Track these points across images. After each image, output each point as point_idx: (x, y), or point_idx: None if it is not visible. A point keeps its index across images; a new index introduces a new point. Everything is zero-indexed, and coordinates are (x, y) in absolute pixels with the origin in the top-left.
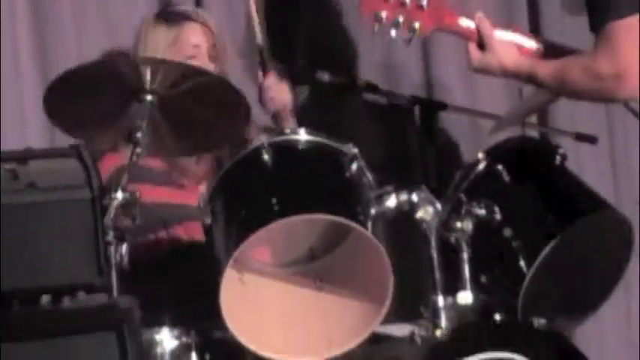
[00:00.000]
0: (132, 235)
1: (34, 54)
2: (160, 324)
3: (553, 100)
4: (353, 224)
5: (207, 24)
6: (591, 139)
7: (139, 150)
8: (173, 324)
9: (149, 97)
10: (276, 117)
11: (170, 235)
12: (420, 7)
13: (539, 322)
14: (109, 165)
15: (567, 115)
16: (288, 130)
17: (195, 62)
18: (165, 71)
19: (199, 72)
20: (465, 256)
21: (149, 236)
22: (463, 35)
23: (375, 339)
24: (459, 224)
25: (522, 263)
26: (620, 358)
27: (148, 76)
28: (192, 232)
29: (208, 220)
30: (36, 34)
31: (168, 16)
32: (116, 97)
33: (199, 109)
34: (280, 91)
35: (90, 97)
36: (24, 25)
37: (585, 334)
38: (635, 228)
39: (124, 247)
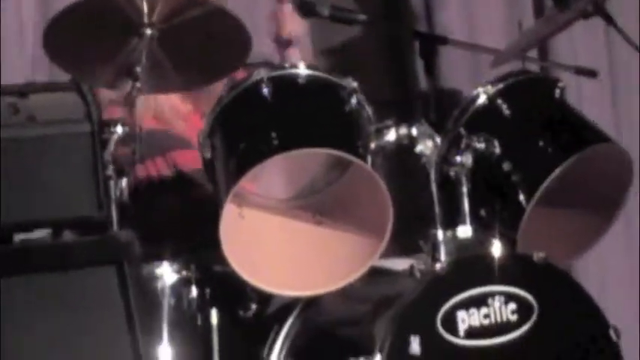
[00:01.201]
0: (131, 164)
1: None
2: (160, 258)
3: (553, 34)
4: (352, 158)
5: None
6: (591, 73)
7: (138, 84)
8: (173, 258)
9: (148, 31)
10: (284, 46)
11: (168, 162)
12: None
13: (538, 255)
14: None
15: (567, 48)
16: (287, 64)
17: None
18: (162, 3)
19: (197, 2)
20: (465, 189)
21: (147, 163)
22: None
23: (375, 273)
24: (458, 158)
25: (522, 197)
26: (620, 291)
27: (145, 10)
28: (190, 159)
29: (208, 154)
30: None
31: None
32: (115, 32)
33: (199, 40)
34: (296, 22)
35: (89, 33)
36: None
37: (585, 268)
38: (635, 161)
39: (124, 181)
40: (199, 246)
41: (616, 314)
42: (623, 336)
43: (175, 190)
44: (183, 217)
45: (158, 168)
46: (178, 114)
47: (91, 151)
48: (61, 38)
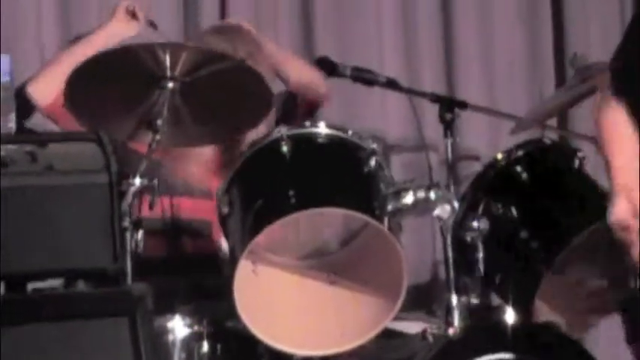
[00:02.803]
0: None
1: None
2: (172, 312)
3: (573, 103)
4: (369, 219)
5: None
6: None
7: (158, 137)
8: (186, 313)
9: (170, 84)
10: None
11: (172, 203)
12: None
13: (551, 325)
14: None
15: (587, 118)
16: (307, 123)
17: None
18: (185, 56)
19: (219, 56)
20: (480, 255)
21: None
22: None
23: (388, 335)
24: (475, 223)
25: (538, 265)
26: None
27: (167, 62)
28: (200, 209)
29: (225, 210)
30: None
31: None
32: (136, 84)
33: (220, 94)
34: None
35: (110, 84)
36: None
37: (598, 341)
38: None
39: (140, 234)
40: (212, 302)
41: None
42: None
43: (177, 234)
44: (198, 273)
45: (162, 207)
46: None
47: (109, 202)
48: (81, 89)
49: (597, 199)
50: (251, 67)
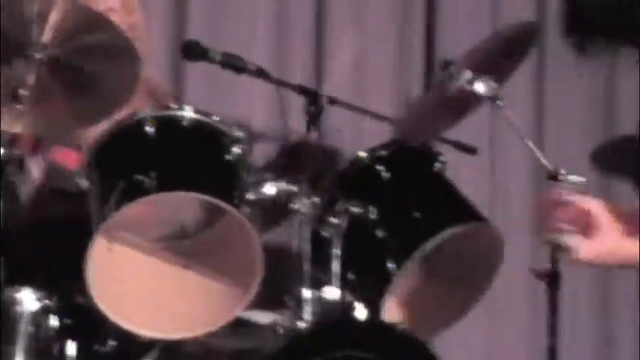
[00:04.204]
0: None
1: None
2: (22, 283)
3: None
4: (227, 206)
5: None
6: (471, 150)
7: (21, 107)
8: (36, 285)
9: (37, 55)
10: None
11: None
12: None
13: (400, 324)
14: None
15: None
16: (174, 106)
17: None
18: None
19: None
20: (336, 251)
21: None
22: None
23: (237, 324)
24: (333, 219)
25: (391, 265)
26: None
27: (35, 32)
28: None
29: (85, 185)
30: None
31: None
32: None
33: (91, 68)
34: None
35: None
36: None
37: (445, 342)
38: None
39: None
40: (65, 276)
41: None
42: None
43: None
44: (53, 246)
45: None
46: None
47: None
48: None
49: (454, 204)
50: (123, 36)
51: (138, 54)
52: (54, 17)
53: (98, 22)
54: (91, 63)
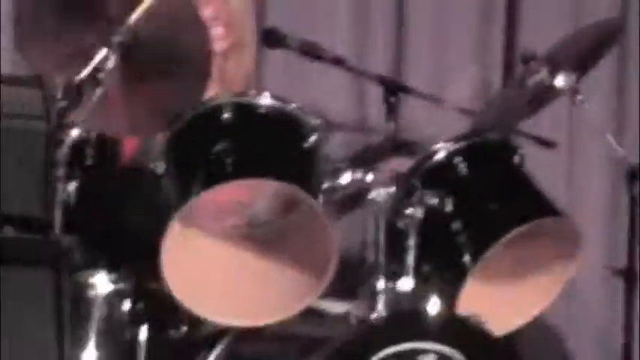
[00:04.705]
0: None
1: None
2: (98, 266)
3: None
4: (303, 194)
5: None
6: (550, 144)
7: (100, 91)
8: (112, 268)
9: (118, 38)
10: None
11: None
12: None
13: (475, 318)
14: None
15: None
16: (252, 92)
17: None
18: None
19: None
20: (411, 243)
21: None
22: None
23: (310, 313)
24: (409, 210)
25: (467, 258)
26: None
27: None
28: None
29: (161, 170)
30: None
31: None
32: (90, 28)
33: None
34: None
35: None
36: None
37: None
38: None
39: (73, 185)
40: (140, 260)
41: None
42: None
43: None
44: (129, 229)
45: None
46: None
47: (44, 151)
48: (34, 26)
49: (531, 198)
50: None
51: (201, 20)
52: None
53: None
54: (164, 41)
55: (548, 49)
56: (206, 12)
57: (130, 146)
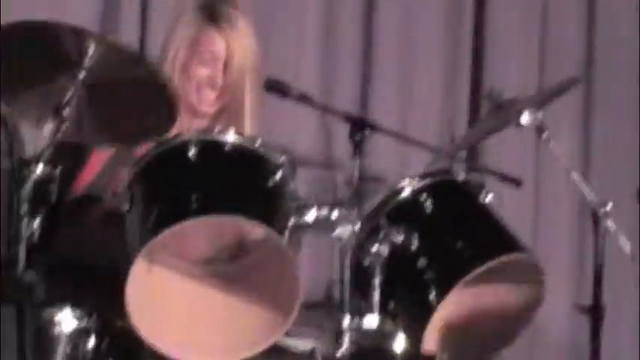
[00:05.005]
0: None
1: None
2: (62, 303)
3: (485, 137)
4: (269, 231)
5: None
6: (516, 182)
7: (64, 127)
8: (76, 305)
9: (81, 74)
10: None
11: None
12: None
13: (441, 356)
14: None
15: (495, 153)
16: (217, 129)
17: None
18: (102, 51)
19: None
20: (377, 280)
21: None
22: None
23: (276, 350)
24: (375, 247)
25: (432, 295)
26: None
27: (87, 51)
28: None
29: (125, 206)
30: None
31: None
32: (50, 66)
33: (127, 99)
34: None
35: (24, 60)
36: None
37: None
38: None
39: (37, 222)
40: (104, 297)
41: None
42: None
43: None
44: (93, 266)
45: None
46: None
47: (7, 188)
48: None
49: (497, 235)
50: (166, 79)
51: (175, 94)
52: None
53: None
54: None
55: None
56: (203, 72)
57: (83, 178)
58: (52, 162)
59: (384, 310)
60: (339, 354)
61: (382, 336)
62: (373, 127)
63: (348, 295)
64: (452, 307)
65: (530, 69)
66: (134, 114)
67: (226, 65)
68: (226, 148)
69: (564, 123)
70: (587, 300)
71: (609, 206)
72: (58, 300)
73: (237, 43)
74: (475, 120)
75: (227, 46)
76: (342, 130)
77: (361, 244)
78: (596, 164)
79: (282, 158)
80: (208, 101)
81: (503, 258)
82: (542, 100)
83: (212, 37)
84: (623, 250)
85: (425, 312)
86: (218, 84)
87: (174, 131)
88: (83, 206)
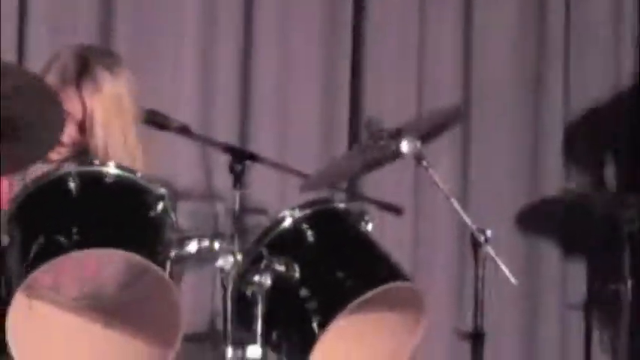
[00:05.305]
0: None
1: None
2: None
3: (363, 170)
4: (149, 264)
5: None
6: (396, 210)
7: None
8: None
9: None
10: None
11: None
12: None
13: None
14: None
15: (376, 182)
16: (97, 162)
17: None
18: None
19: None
20: (259, 310)
21: None
22: None
23: None
24: (257, 278)
25: (314, 325)
26: None
27: None
28: None
29: (5, 240)
30: None
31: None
32: None
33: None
34: None
35: None
36: None
37: None
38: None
39: None
40: None
41: None
42: None
43: None
44: None
45: None
46: None
47: None
48: None
49: (378, 264)
50: (47, 88)
51: (59, 98)
52: None
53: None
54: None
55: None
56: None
57: None
58: None
59: (267, 341)
60: None
61: None
62: (253, 158)
63: (231, 326)
64: (334, 336)
65: (406, 97)
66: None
67: (83, 123)
68: (107, 179)
69: (442, 150)
70: (468, 326)
71: (489, 232)
72: None
73: (98, 103)
74: (355, 143)
75: (83, 108)
76: (222, 162)
77: (243, 275)
78: (475, 190)
79: (163, 190)
80: (56, 151)
81: (384, 286)
82: (424, 133)
83: (68, 97)
84: (508, 277)
85: (308, 342)
86: (64, 142)
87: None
88: None
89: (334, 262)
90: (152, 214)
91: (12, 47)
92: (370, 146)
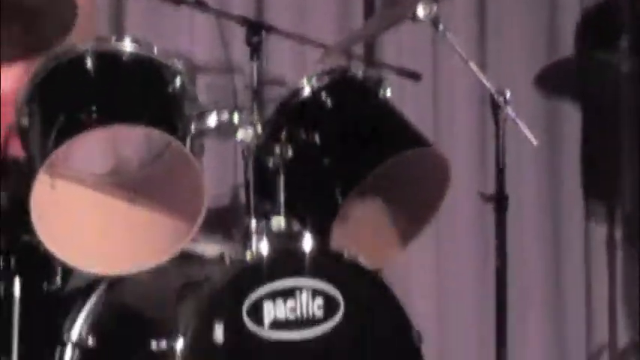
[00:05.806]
0: None
1: None
2: None
3: (380, 31)
4: (171, 138)
5: None
6: (415, 75)
7: None
8: None
9: None
10: None
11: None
12: None
13: (349, 253)
14: None
15: (393, 49)
16: (113, 38)
17: None
18: None
19: None
20: (282, 181)
21: None
22: None
23: (184, 256)
24: (277, 148)
25: (338, 193)
26: (425, 298)
27: None
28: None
29: (25, 121)
30: None
31: None
32: None
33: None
34: None
35: None
36: None
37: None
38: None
39: None
40: (8, 213)
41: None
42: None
43: None
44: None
45: None
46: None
47: None
48: None
49: (399, 130)
50: None
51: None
52: None
53: None
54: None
55: None
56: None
57: None
58: None
59: (290, 211)
60: (247, 257)
61: (290, 236)
62: (270, 29)
63: (254, 197)
64: (358, 203)
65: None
66: (29, 24)
67: None
68: (124, 57)
69: (458, 14)
70: (491, 189)
71: (508, 94)
72: None
73: None
74: (371, 14)
75: None
76: (238, 34)
77: (264, 146)
78: (492, 53)
79: (180, 64)
80: None
81: (408, 152)
82: None
83: None
84: (528, 138)
85: (332, 210)
86: None
87: None
88: None
89: (355, 130)
90: (170, 89)
91: None
92: (387, 13)
